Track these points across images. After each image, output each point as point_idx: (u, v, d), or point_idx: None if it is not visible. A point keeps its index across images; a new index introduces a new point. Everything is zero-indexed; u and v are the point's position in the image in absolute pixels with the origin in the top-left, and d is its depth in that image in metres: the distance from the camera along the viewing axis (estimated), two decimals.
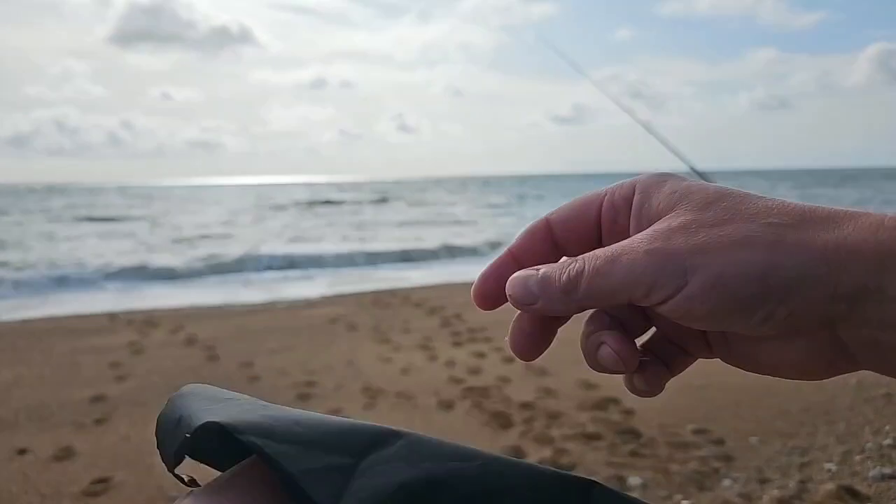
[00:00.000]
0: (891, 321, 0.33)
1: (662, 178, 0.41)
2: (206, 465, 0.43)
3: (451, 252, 16.26)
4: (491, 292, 0.44)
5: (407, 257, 15.24)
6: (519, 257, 0.44)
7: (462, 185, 75.55)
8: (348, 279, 12.10)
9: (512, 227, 22.99)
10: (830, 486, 3.07)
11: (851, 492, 3.02)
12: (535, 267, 0.41)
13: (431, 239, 19.17)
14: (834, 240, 0.34)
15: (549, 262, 0.42)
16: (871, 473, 3.19)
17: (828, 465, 3.32)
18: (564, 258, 0.41)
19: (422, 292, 9.52)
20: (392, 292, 9.67)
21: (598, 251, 0.39)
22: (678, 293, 0.36)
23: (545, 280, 0.40)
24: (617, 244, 0.39)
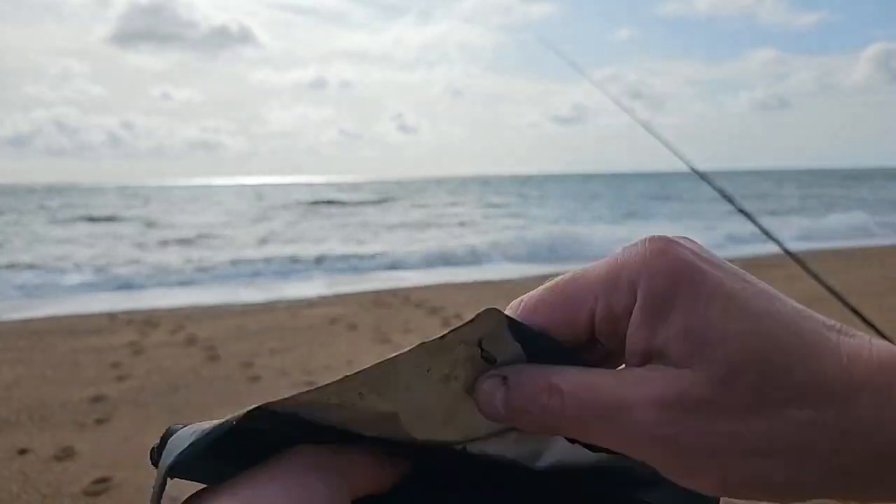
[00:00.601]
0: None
1: (674, 279, 0.31)
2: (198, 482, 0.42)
3: (454, 254, 16.26)
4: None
5: (408, 261, 15.23)
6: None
7: (462, 185, 75.47)
8: (348, 279, 12.10)
9: (515, 230, 23.01)
10: None
11: None
12: (504, 372, 0.34)
13: (435, 240, 19.16)
14: (881, 442, 0.29)
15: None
16: None
17: None
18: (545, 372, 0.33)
19: (422, 293, 9.50)
20: (392, 292, 9.65)
21: (588, 389, 0.32)
22: (684, 481, 0.31)
23: (513, 401, 0.33)
24: (610, 394, 0.31)
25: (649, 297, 0.31)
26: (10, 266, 14.28)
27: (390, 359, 0.33)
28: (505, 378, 0.33)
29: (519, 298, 0.35)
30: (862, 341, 0.31)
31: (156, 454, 0.39)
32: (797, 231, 17.96)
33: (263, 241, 19.46)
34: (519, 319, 0.34)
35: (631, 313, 0.32)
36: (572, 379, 0.32)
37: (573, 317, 0.33)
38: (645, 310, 0.31)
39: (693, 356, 0.30)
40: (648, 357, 0.31)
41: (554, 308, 0.34)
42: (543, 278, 0.38)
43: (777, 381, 0.29)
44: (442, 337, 0.33)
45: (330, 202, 40.81)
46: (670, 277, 0.31)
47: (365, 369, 0.33)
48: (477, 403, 0.34)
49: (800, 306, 0.32)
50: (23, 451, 3.96)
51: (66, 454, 3.91)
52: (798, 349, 0.30)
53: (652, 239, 0.32)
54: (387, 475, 0.36)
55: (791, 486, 0.30)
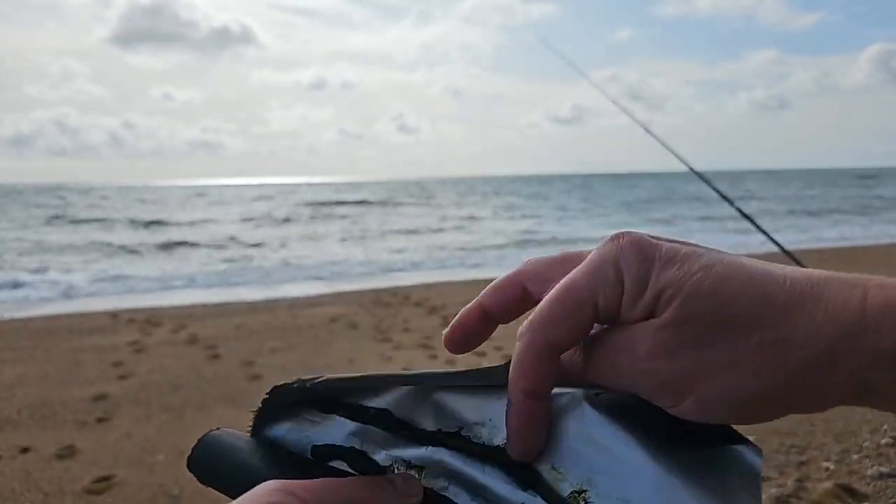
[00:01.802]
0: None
1: (641, 260, 0.37)
2: (212, 487, 0.43)
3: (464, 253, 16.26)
4: (457, 340, 0.44)
5: (411, 262, 15.23)
6: (488, 309, 0.43)
7: (463, 185, 75.49)
8: (349, 279, 12.10)
9: (521, 230, 23.02)
10: (828, 484, 3.07)
11: (849, 490, 3.02)
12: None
13: (442, 242, 19.19)
14: (824, 350, 0.33)
15: (518, 316, 0.43)
16: (869, 472, 3.19)
17: (825, 464, 3.32)
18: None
19: (422, 292, 9.50)
20: (392, 292, 9.65)
21: (595, 349, 0.39)
22: (674, 408, 0.36)
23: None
24: (611, 344, 0.38)
25: (632, 281, 0.37)
26: (13, 265, 14.30)
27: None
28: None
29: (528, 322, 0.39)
30: (806, 269, 0.36)
31: (192, 463, 0.43)
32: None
33: (264, 241, 19.46)
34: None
35: (621, 298, 0.37)
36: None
37: (583, 327, 0.38)
38: (629, 293, 0.37)
39: (661, 308, 0.36)
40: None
41: (551, 262, 0.42)
42: None
43: (728, 310, 0.35)
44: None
45: (339, 203, 40.70)
46: (641, 259, 0.37)
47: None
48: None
49: (755, 260, 0.38)
50: (25, 450, 3.95)
51: (67, 452, 3.91)
52: (743, 281, 0.35)
53: (616, 236, 0.39)
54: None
55: (760, 400, 0.34)
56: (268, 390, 0.45)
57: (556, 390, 0.39)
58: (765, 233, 2.27)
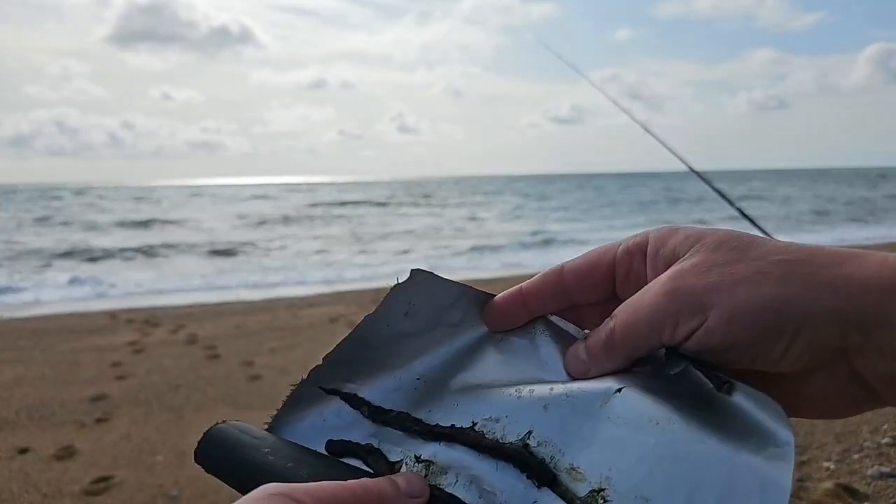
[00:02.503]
0: None
1: (675, 227, 0.43)
2: (216, 476, 0.43)
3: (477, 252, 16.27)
4: (497, 316, 0.48)
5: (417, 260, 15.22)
6: (526, 296, 0.47)
7: (464, 185, 75.42)
8: (348, 278, 12.09)
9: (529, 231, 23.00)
10: (828, 484, 3.07)
11: (850, 490, 3.02)
12: (582, 338, 0.45)
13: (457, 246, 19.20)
14: (841, 274, 0.36)
15: (555, 306, 0.47)
16: (870, 472, 3.19)
17: (826, 464, 3.31)
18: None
19: None
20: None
21: (623, 304, 0.42)
22: (700, 327, 0.38)
23: (588, 348, 0.43)
24: (637, 293, 0.41)
25: (656, 234, 0.43)
26: (17, 262, 14.31)
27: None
28: (584, 339, 0.44)
29: (560, 266, 0.47)
30: None
31: (200, 455, 0.43)
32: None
33: (269, 242, 19.45)
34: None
35: (643, 250, 0.43)
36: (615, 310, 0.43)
37: (600, 261, 0.45)
38: (655, 240, 0.43)
39: (689, 248, 0.41)
40: None
41: (588, 255, 0.46)
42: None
43: (757, 244, 0.39)
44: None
45: (341, 203, 40.57)
46: (673, 226, 0.43)
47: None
48: (569, 371, 0.43)
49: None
50: (23, 451, 3.95)
51: (66, 453, 3.90)
52: (759, 237, 0.40)
53: (653, 229, 0.44)
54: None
55: (781, 307, 0.36)
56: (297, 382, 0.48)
57: (576, 386, 0.40)
58: (765, 233, 2.27)
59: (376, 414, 0.45)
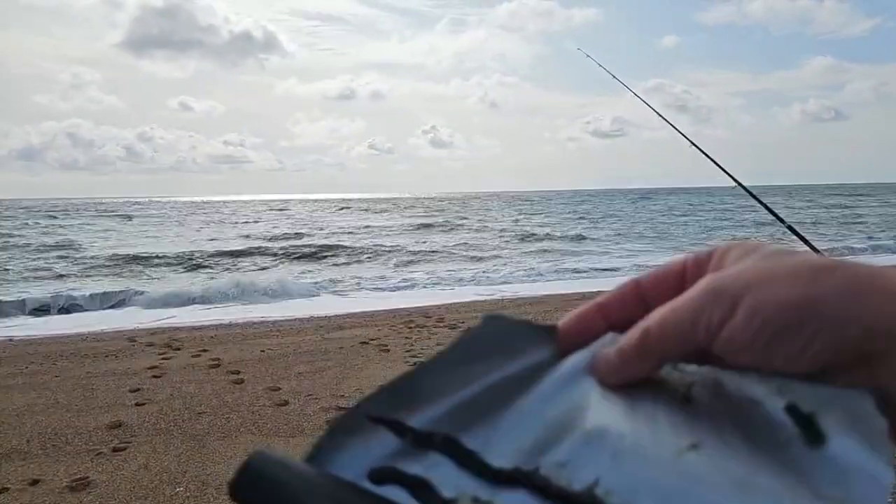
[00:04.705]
0: None
1: (740, 241, 0.46)
2: None
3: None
4: (574, 330, 0.47)
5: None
6: (606, 306, 0.48)
7: (502, 202, 75.83)
8: (380, 298, 12.10)
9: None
10: None
11: None
12: (612, 340, 0.45)
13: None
14: (875, 284, 0.37)
15: (633, 315, 0.46)
16: None
17: None
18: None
19: (457, 313, 9.45)
20: (425, 313, 9.61)
21: (660, 307, 0.43)
22: (728, 322, 0.39)
23: (621, 350, 0.44)
24: (678, 297, 0.43)
25: (724, 245, 0.45)
26: (27, 281, 14.50)
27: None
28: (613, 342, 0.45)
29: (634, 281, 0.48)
30: None
31: (237, 489, 0.39)
32: None
33: (301, 261, 19.57)
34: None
35: (710, 258, 0.45)
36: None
37: (673, 269, 0.47)
38: (721, 250, 0.45)
39: (743, 257, 0.42)
40: None
41: (663, 265, 0.48)
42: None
43: (792, 254, 0.41)
44: None
45: (370, 226, 40.51)
46: (742, 240, 0.45)
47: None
48: (599, 375, 0.44)
49: None
50: (35, 482, 3.90)
51: (80, 485, 3.84)
52: (809, 252, 0.49)
53: (721, 243, 0.47)
54: None
55: (806, 303, 0.37)
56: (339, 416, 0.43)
57: (647, 430, 0.40)
58: (816, 250, 2.15)
59: (422, 441, 0.43)
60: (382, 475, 0.42)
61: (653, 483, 0.37)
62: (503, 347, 0.47)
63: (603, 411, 0.42)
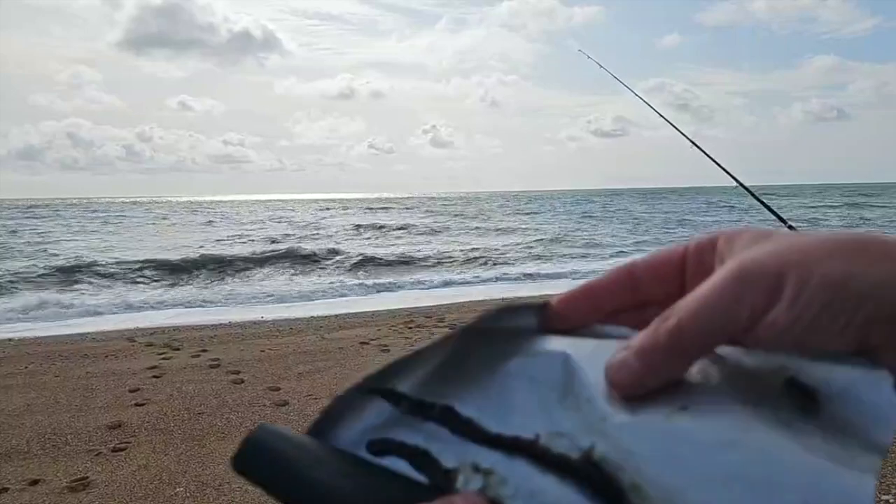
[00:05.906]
0: None
1: (746, 227, 0.44)
2: (257, 485, 0.42)
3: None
4: (561, 312, 0.46)
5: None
6: (595, 290, 0.46)
7: (503, 201, 75.57)
8: (381, 297, 12.10)
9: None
10: None
11: None
12: (623, 345, 0.41)
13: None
14: None
15: (622, 303, 0.46)
16: None
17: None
18: (652, 323, 0.41)
19: (457, 313, 9.44)
20: (426, 313, 9.61)
21: (683, 299, 0.40)
22: (772, 306, 0.37)
23: (642, 352, 0.39)
24: (700, 287, 0.40)
25: (729, 231, 0.43)
26: (27, 279, 14.47)
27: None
28: (626, 346, 0.40)
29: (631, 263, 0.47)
30: None
31: (238, 461, 0.42)
32: None
33: (304, 259, 19.55)
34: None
35: (714, 245, 0.43)
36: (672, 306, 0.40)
37: (671, 256, 0.45)
38: (727, 236, 0.43)
39: (759, 240, 0.41)
40: None
41: (659, 251, 0.46)
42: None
43: (817, 232, 0.39)
44: None
45: (373, 224, 40.33)
46: (745, 225, 0.43)
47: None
48: (614, 385, 0.39)
49: None
50: (34, 482, 3.91)
51: (80, 485, 3.85)
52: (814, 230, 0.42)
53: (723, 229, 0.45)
54: None
55: (848, 278, 0.36)
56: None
57: (642, 412, 0.39)
58: None
59: (418, 409, 0.44)
60: (383, 446, 0.43)
61: (643, 445, 0.37)
62: (494, 327, 0.46)
63: (592, 377, 0.41)
